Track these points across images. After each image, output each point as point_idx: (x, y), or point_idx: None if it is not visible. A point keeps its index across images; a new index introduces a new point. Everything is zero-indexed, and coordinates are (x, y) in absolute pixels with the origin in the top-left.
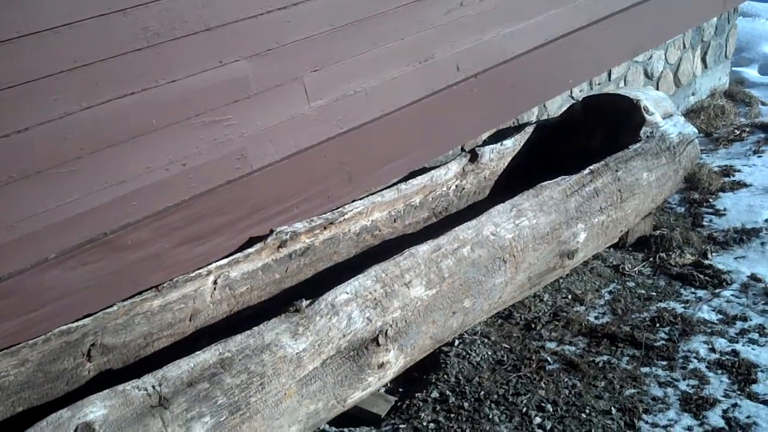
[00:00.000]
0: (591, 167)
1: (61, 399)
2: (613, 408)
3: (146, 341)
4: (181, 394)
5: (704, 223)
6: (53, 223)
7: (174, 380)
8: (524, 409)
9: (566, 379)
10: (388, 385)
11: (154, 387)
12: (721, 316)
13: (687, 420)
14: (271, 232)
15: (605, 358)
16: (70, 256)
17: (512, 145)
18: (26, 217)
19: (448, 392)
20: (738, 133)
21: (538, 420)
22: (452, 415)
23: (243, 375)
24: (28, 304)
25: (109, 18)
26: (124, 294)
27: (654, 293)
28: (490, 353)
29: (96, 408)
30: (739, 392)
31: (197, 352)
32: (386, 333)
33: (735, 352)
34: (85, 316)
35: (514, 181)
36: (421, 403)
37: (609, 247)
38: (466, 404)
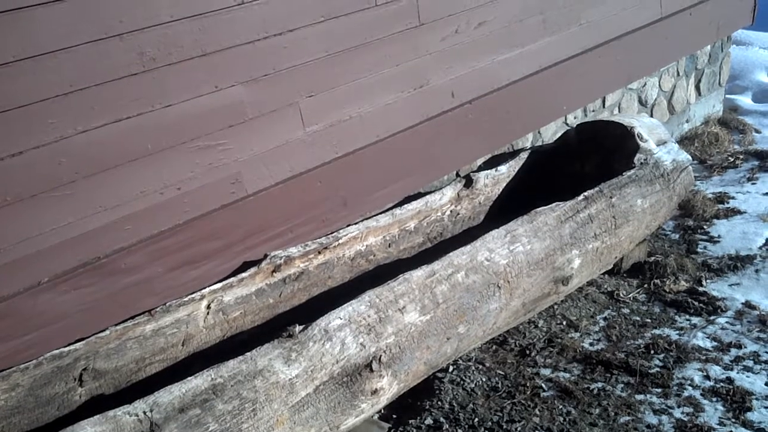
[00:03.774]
0: (585, 193)
1: (52, 424)
2: None
3: (138, 366)
4: (172, 420)
5: (699, 250)
6: (47, 247)
7: (165, 406)
8: None
9: (561, 406)
10: (382, 411)
11: (145, 413)
12: (715, 344)
13: None
14: (266, 256)
15: (600, 385)
16: (63, 280)
17: (507, 171)
18: (20, 240)
19: (442, 419)
20: (732, 160)
21: None
22: None
23: (235, 401)
24: (20, 328)
25: (106, 43)
26: (116, 318)
27: (648, 320)
28: (484, 379)
29: None
30: (734, 420)
31: (189, 378)
32: (380, 359)
33: (730, 380)
34: (77, 341)
35: (509, 206)
36: (414, 430)
37: (603, 274)
38: (460, 431)
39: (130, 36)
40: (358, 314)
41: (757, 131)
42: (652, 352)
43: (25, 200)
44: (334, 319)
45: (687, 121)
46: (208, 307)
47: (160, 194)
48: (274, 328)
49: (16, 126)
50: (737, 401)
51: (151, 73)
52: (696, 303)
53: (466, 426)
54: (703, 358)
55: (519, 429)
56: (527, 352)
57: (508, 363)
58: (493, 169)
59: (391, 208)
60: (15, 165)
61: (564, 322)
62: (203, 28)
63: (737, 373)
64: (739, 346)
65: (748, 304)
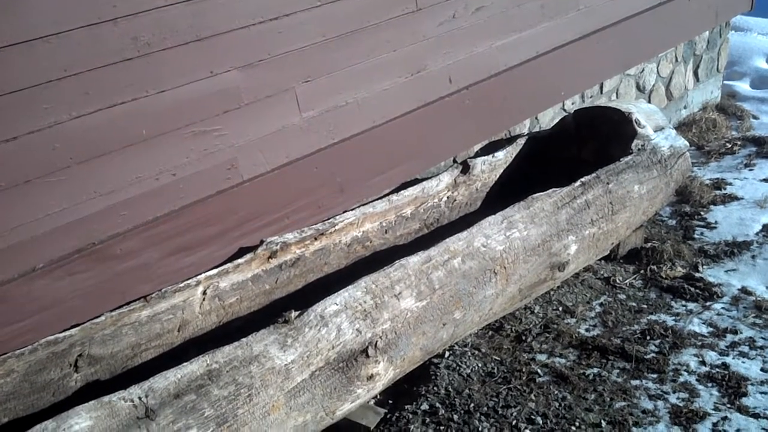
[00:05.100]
0: (582, 179)
1: (47, 410)
2: (603, 421)
3: (134, 352)
4: (167, 406)
5: (695, 236)
6: (41, 233)
7: (161, 392)
8: (514, 422)
9: (556, 392)
10: (378, 397)
11: (140, 398)
12: (711, 329)
13: None
14: (262, 242)
15: (595, 370)
16: (58, 265)
17: (504, 157)
18: (14, 226)
19: (437, 404)
20: (729, 146)
21: None
22: (442, 428)
23: (230, 386)
24: (15, 314)
25: (100, 27)
26: (112, 304)
27: (645, 306)
28: (480, 365)
29: (81, 419)
30: (729, 405)
31: (184, 364)
32: (376, 344)
33: (725, 365)
34: (72, 327)
35: (506, 192)
36: (410, 416)
37: (600, 260)
38: (455, 416)
39: (124, 20)
40: (354, 300)
41: (755, 117)
42: (648, 337)
43: (20, 186)
44: (330, 305)
45: (685, 107)
46: (204, 293)
47: (155, 180)
48: (270, 314)
49: (10, 111)
50: (732, 387)
51: (145, 58)
52: (692, 289)
53: (462, 411)
54: (699, 343)
55: (514, 414)
56: (523, 337)
57: (504, 348)
58: (490, 155)
59: (387, 194)
60: (9, 150)
61: (560, 308)
62: (198, 13)
63: (733, 358)
64: (735, 332)
65: (744, 290)
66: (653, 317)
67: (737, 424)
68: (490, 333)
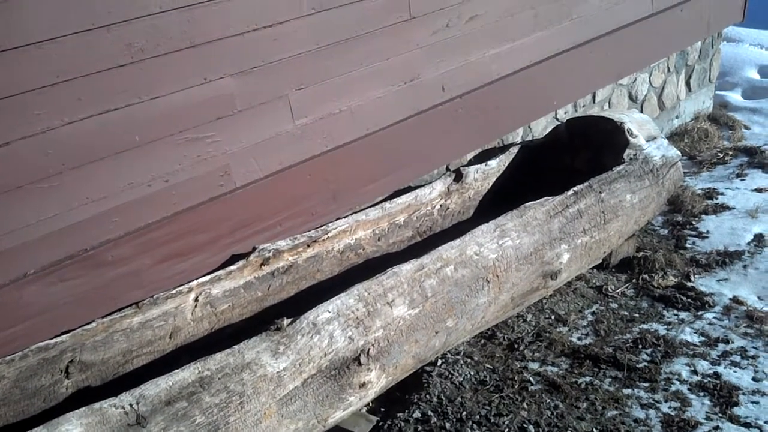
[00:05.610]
0: (575, 188)
1: (38, 416)
2: (594, 430)
3: (125, 358)
4: (158, 413)
5: (687, 246)
6: (33, 239)
7: (152, 398)
8: (506, 430)
9: (548, 400)
10: (370, 404)
11: (131, 405)
12: (703, 339)
13: None
14: (254, 249)
15: (588, 379)
16: (50, 272)
17: (497, 166)
18: (6, 232)
19: (430, 412)
20: (721, 156)
21: None
22: None
23: (222, 394)
24: (6, 320)
25: (93, 33)
26: (103, 310)
27: (637, 315)
28: (472, 373)
29: (72, 426)
30: (720, 415)
31: (176, 371)
32: (368, 352)
33: (717, 375)
34: (63, 333)
35: (499, 201)
36: (402, 424)
37: (592, 268)
38: (447, 425)
39: (117, 27)
40: (346, 308)
41: (747, 128)
42: (640, 346)
43: (12, 192)
44: (323, 312)
45: (677, 117)
46: (196, 299)
47: (147, 186)
48: (262, 321)
49: (2, 117)
50: (724, 396)
51: (139, 64)
52: (684, 298)
53: (454, 419)
54: (691, 353)
55: (507, 423)
56: (515, 346)
57: (497, 357)
58: (483, 164)
59: (380, 202)
60: (1, 156)
61: (552, 317)
62: (192, 20)
63: (724, 368)
64: (727, 342)
65: (735, 300)
66: (645, 326)
67: None
68: (483, 341)
